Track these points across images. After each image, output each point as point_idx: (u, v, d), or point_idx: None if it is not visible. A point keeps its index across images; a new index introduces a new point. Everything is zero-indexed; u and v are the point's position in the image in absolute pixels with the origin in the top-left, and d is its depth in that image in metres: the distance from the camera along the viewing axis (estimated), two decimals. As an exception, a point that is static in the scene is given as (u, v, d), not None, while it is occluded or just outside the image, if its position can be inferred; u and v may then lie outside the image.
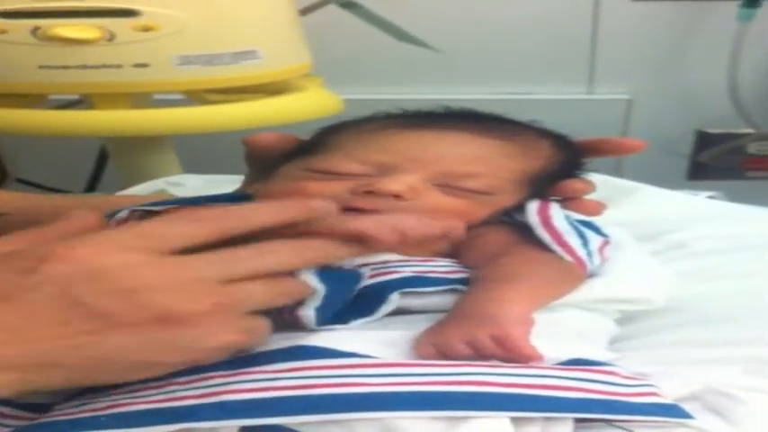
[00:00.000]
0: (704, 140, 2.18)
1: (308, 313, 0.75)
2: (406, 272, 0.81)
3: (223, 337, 0.68)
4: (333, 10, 1.90)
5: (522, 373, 0.71)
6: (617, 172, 1.31)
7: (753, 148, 2.18)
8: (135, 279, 0.65)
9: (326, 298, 0.76)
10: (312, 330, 0.75)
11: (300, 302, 0.75)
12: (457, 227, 0.80)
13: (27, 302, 0.64)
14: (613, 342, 0.89)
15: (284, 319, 0.76)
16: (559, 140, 1.00)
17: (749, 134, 2.13)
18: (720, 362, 0.84)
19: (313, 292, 0.75)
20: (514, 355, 0.72)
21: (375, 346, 0.74)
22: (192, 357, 0.68)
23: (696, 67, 2.11)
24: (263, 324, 0.72)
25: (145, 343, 0.65)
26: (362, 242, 0.74)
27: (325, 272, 0.76)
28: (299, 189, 0.88)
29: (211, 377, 0.70)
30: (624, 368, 0.77)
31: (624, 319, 0.92)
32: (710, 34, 2.07)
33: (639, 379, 0.76)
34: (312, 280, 0.75)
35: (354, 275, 0.80)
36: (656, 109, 2.13)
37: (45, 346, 0.64)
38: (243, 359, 0.72)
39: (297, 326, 0.76)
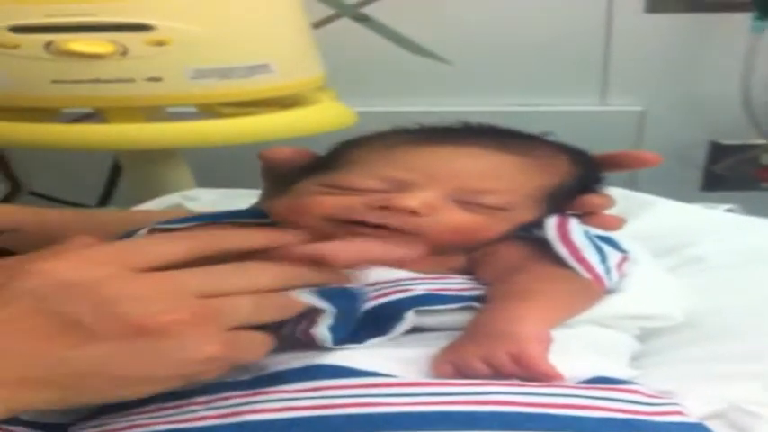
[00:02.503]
0: (718, 152, 2.17)
1: (323, 332, 0.75)
2: (420, 290, 0.81)
3: (204, 348, 0.67)
4: (346, 23, 1.90)
5: (543, 392, 0.70)
6: (631, 184, 1.30)
7: (767, 159, 2.17)
8: (109, 290, 0.65)
9: (337, 316, 0.75)
10: (328, 349, 0.75)
11: (313, 322, 0.75)
12: (413, 254, 0.80)
13: (5, 318, 0.64)
14: (634, 359, 0.89)
15: (299, 340, 0.75)
16: (576, 155, 0.99)
17: (763, 145, 2.13)
18: (743, 378, 0.83)
19: (315, 310, 0.75)
20: (533, 373, 0.72)
21: (393, 364, 0.73)
22: (176, 371, 0.67)
23: (709, 78, 2.11)
24: (257, 338, 0.71)
25: (125, 354, 0.65)
26: (322, 265, 0.75)
27: (327, 291, 0.76)
28: (315, 203, 0.88)
29: (230, 397, 0.70)
30: (646, 386, 0.77)
31: (644, 336, 0.91)
32: (723, 45, 2.06)
33: (663, 397, 0.75)
34: (315, 300, 0.75)
35: (358, 293, 0.80)
36: (669, 120, 2.12)
37: (30, 361, 0.64)
38: (261, 378, 0.72)
39: (313, 346, 0.75)
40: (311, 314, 0.75)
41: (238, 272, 0.72)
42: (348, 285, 0.79)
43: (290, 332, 0.76)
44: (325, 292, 0.76)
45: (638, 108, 2.14)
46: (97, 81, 1.45)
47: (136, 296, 0.66)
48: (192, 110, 1.60)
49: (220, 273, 0.71)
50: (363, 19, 1.88)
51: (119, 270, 0.67)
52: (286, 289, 0.74)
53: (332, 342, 0.75)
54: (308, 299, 0.75)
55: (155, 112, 1.57)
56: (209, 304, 0.68)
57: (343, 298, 0.77)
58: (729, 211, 1.35)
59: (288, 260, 0.75)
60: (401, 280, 0.82)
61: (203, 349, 0.67)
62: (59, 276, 0.66)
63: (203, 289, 0.68)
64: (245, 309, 0.70)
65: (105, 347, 0.64)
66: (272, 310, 0.72)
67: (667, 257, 1.07)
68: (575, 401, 0.70)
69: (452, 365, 0.73)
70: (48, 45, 1.42)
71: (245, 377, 0.72)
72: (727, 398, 0.79)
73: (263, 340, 0.72)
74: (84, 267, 0.67)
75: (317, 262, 0.75)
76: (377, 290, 0.81)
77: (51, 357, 0.64)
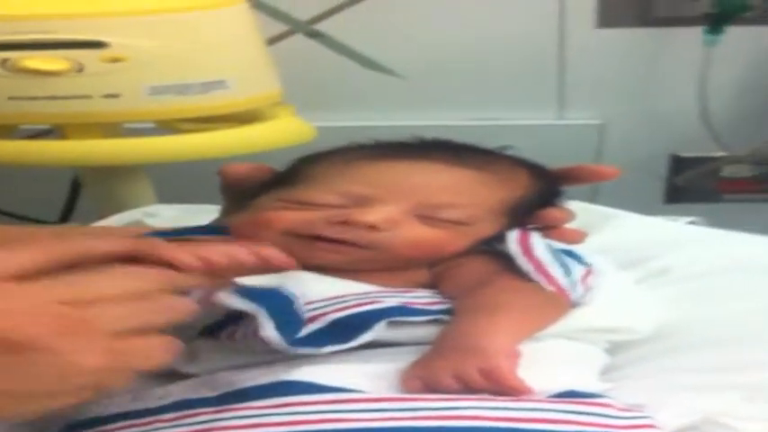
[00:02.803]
0: (679, 164, 2.18)
1: (272, 334, 0.73)
2: (391, 302, 0.80)
3: (86, 359, 0.63)
4: (300, 39, 1.90)
5: (514, 407, 0.70)
6: (593, 197, 1.30)
7: (727, 171, 2.18)
8: None
9: (274, 317, 0.74)
10: (293, 363, 0.74)
11: (256, 327, 0.73)
12: (279, 259, 0.77)
13: None
14: (605, 372, 0.88)
15: (255, 346, 0.74)
16: (535, 169, 1.00)
17: (723, 157, 2.14)
18: (715, 389, 0.83)
19: (255, 314, 0.73)
20: (502, 388, 0.71)
21: (362, 379, 0.73)
22: (63, 384, 0.63)
23: (665, 91, 2.12)
24: (155, 343, 0.68)
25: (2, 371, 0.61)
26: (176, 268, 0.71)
27: (251, 291, 0.75)
28: (275, 218, 0.88)
29: (198, 413, 0.69)
30: (618, 399, 0.77)
31: (614, 348, 0.91)
32: (677, 59, 2.07)
33: (635, 410, 0.75)
34: (239, 302, 0.74)
35: (285, 292, 0.78)
36: (628, 133, 2.13)
37: None
38: (228, 394, 0.71)
39: (273, 352, 0.74)
40: (251, 318, 0.74)
41: (106, 277, 0.68)
42: (273, 286, 0.78)
43: (244, 336, 0.75)
44: (249, 293, 0.75)
45: (597, 121, 2.14)
46: (54, 98, 1.44)
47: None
48: (151, 126, 1.59)
49: (86, 279, 0.67)
50: (316, 35, 1.88)
51: None
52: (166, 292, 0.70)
53: (285, 343, 0.74)
54: (232, 301, 0.74)
55: (112, 129, 1.56)
56: (78, 313, 0.64)
57: (270, 297, 0.76)
58: (692, 223, 1.36)
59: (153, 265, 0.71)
60: (369, 293, 0.82)
61: (83, 360, 0.63)
62: None
63: (69, 296, 0.64)
64: (122, 314, 0.66)
65: None
66: (155, 313, 0.68)
67: (632, 270, 1.06)
68: (546, 416, 0.70)
69: (422, 381, 0.73)
70: (3, 62, 1.41)
71: (213, 393, 0.71)
72: (701, 410, 0.79)
73: (164, 345, 0.68)
74: None
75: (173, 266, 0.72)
76: (344, 301, 0.80)
77: None
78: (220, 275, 0.75)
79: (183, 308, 0.70)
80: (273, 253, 0.77)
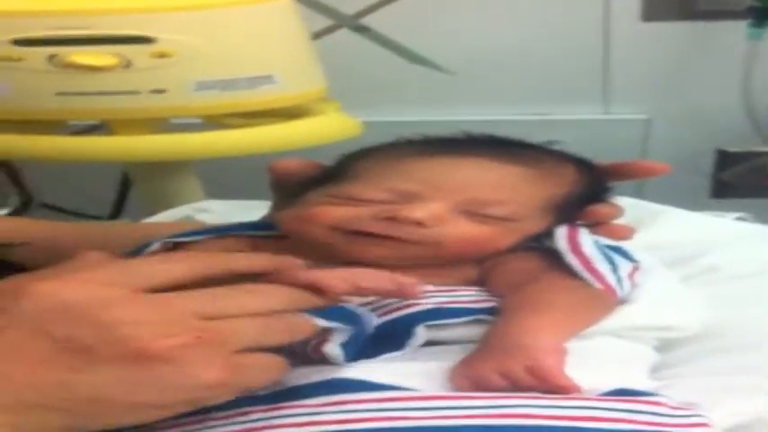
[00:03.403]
0: (725, 159, 2.16)
1: (334, 349, 0.74)
2: (429, 304, 0.80)
3: (209, 373, 0.64)
4: (345, 34, 1.90)
5: (565, 405, 0.70)
6: (639, 193, 1.30)
7: (774, 166, 2.17)
8: (109, 312, 0.64)
9: (348, 334, 0.75)
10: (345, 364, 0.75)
11: (324, 341, 0.74)
12: (412, 287, 0.78)
13: (3, 342, 0.63)
14: (655, 370, 0.87)
15: (312, 358, 0.75)
16: (582, 165, 0.99)
17: (769, 152, 2.12)
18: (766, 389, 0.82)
19: (325, 329, 0.73)
20: (550, 386, 0.71)
21: (413, 378, 0.73)
22: (181, 397, 0.65)
23: (710, 85, 2.10)
24: (268, 362, 0.70)
25: (127, 379, 0.63)
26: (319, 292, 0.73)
27: (332, 311, 0.75)
28: (322, 213, 0.88)
29: (250, 412, 0.69)
30: (669, 397, 0.76)
31: (664, 346, 0.90)
32: (722, 53, 2.06)
33: (688, 409, 0.75)
34: (324, 320, 0.74)
35: (364, 314, 0.78)
36: (674, 128, 2.12)
37: (29, 385, 0.62)
38: (281, 393, 0.71)
39: (326, 362, 0.75)
40: (321, 333, 0.74)
41: (243, 293, 0.70)
42: (353, 307, 0.78)
43: (301, 350, 0.75)
44: (330, 313, 0.74)
45: (643, 116, 2.13)
46: (101, 93, 1.45)
47: (137, 319, 0.64)
48: (198, 121, 1.60)
49: (224, 294, 0.69)
50: (362, 29, 1.88)
51: (120, 291, 0.66)
52: (289, 311, 0.72)
53: (344, 359, 0.74)
54: (317, 320, 0.73)
55: (160, 124, 1.57)
56: (213, 327, 0.66)
57: (350, 318, 0.76)
58: (740, 219, 1.35)
59: (288, 284, 0.73)
60: None
61: (208, 374, 0.64)
62: (59, 298, 0.64)
63: (207, 311, 0.66)
64: (252, 331, 0.68)
65: (106, 372, 0.62)
66: (281, 332, 0.70)
67: (680, 267, 1.06)
68: (598, 414, 0.70)
69: (469, 379, 0.73)
70: (51, 58, 1.42)
71: (265, 392, 0.71)
72: (753, 411, 0.78)
73: (275, 364, 0.70)
74: (84, 289, 0.65)
75: (316, 289, 0.74)
76: (386, 304, 0.81)
77: (50, 381, 0.62)
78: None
79: (303, 328, 0.72)
80: (408, 281, 0.78)
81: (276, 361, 0.70)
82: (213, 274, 0.71)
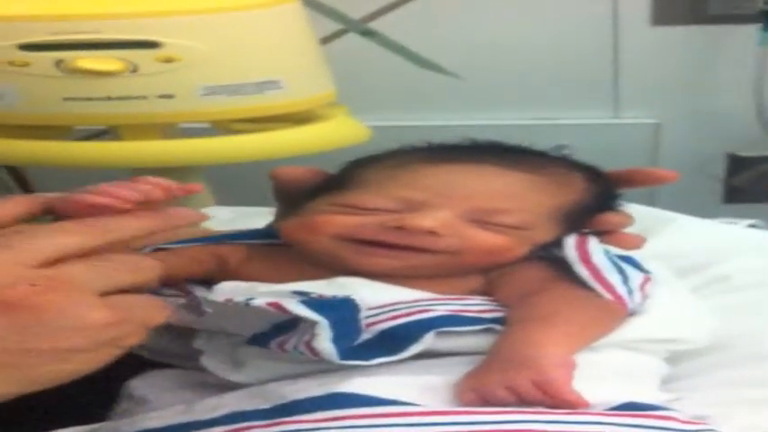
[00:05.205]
0: (736, 164, 2.16)
1: (326, 346, 0.73)
2: (441, 311, 0.79)
3: (89, 313, 0.63)
4: (354, 38, 1.89)
5: (572, 420, 0.69)
6: (650, 197, 1.29)
7: (786, 171, 2.16)
8: None
9: (335, 328, 0.74)
10: (345, 373, 0.74)
11: (313, 336, 0.73)
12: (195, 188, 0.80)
13: None
14: (666, 382, 0.87)
15: (306, 356, 0.74)
16: (591, 172, 0.97)
17: (782, 157, 2.12)
18: None
19: (311, 322, 0.73)
20: (557, 401, 0.70)
21: (415, 392, 0.72)
22: (82, 340, 0.63)
23: (721, 90, 2.11)
24: (147, 300, 0.68)
25: (12, 328, 0.61)
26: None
27: (317, 302, 0.75)
28: (326, 222, 0.87)
29: (250, 427, 0.68)
30: (680, 410, 0.75)
31: (675, 358, 0.89)
32: (732, 57, 2.07)
33: (699, 423, 0.74)
34: (307, 311, 0.73)
35: (351, 303, 0.78)
36: (685, 133, 2.12)
37: None
38: (280, 407, 0.70)
39: (322, 361, 0.74)
40: (309, 327, 0.73)
41: (47, 233, 0.67)
42: (339, 296, 0.78)
43: (295, 346, 0.74)
44: (315, 303, 0.74)
45: (653, 121, 2.13)
46: (108, 98, 1.46)
47: None
48: (206, 127, 1.60)
49: (33, 238, 0.66)
50: (369, 34, 1.88)
51: None
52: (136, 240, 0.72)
53: (338, 356, 0.73)
54: (300, 310, 0.73)
55: (168, 130, 1.57)
56: (60, 271, 0.64)
57: (335, 309, 0.75)
58: (752, 226, 1.34)
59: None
60: (420, 300, 0.81)
61: (87, 314, 0.63)
62: None
63: (47, 257, 0.64)
64: (92, 272, 0.65)
65: None
66: (126, 272, 0.68)
67: (691, 277, 1.05)
68: (605, 429, 0.69)
69: (475, 393, 0.72)
70: (58, 63, 1.43)
71: (265, 406, 0.71)
72: (765, 424, 0.78)
73: (155, 303, 0.69)
74: None
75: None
76: (394, 310, 0.79)
77: None
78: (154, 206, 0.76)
79: (148, 266, 0.70)
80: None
81: (155, 300, 0.69)
82: (103, 243, 0.68)
